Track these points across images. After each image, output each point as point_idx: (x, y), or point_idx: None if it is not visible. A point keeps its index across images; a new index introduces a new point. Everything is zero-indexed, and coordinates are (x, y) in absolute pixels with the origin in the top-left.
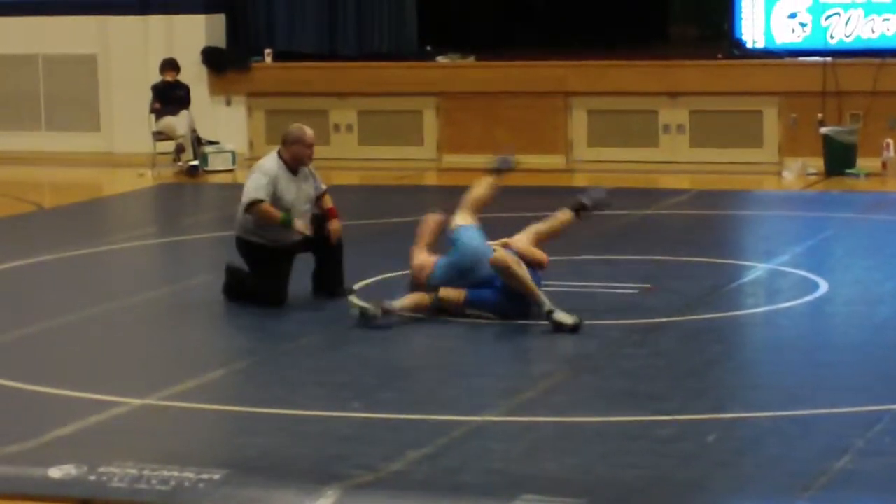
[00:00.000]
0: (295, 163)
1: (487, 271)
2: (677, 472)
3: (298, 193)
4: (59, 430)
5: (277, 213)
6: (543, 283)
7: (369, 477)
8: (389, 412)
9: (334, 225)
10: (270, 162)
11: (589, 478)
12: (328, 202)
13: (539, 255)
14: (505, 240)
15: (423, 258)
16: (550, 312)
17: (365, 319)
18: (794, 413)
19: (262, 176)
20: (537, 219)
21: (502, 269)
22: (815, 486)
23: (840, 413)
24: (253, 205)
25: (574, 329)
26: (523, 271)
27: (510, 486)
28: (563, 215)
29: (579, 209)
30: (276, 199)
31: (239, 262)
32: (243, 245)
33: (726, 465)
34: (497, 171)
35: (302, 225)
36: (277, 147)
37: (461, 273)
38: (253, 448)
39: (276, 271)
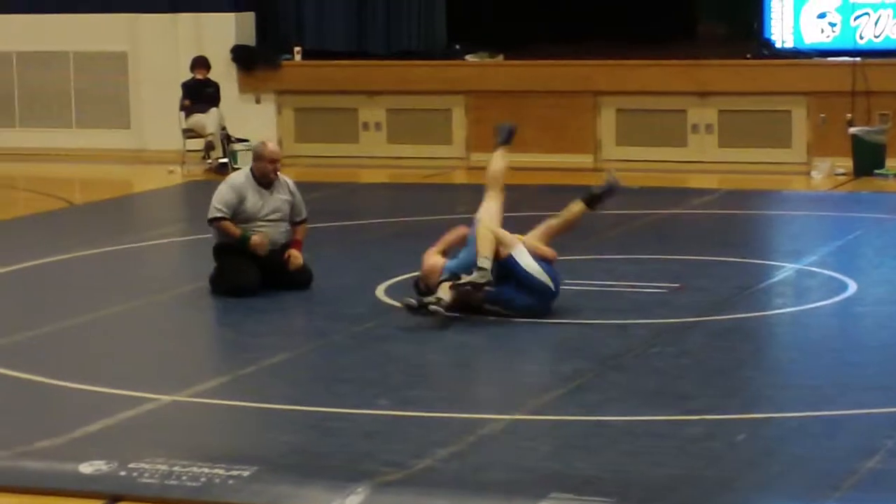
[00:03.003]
0: (262, 177)
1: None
2: (706, 471)
3: (264, 205)
4: (89, 426)
5: (236, 231)
6: (569, 280)
7: (398, 474)
8: (418, 410)
9: (293, 252)
10: (241, 175)
11: (617, 476)
12: (300, 233)
13: (547, 251)
14: (518, 237)
15: (435, 260)
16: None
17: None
18: (823, 413)
19: (229, 189)
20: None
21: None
22: (844, 487)
23: (869, 413)
24: (214, 220)
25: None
26: (486, 242)
27: (539, 484)
28: (576, 206)
29: (590, 199)
30: (241, 209)
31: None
32: (217, 246)
33: (755, 465)
34: (504, 141)
35: (258, 242)
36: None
37: (469, 269)
38: (283, 444)
39: (245, 265)
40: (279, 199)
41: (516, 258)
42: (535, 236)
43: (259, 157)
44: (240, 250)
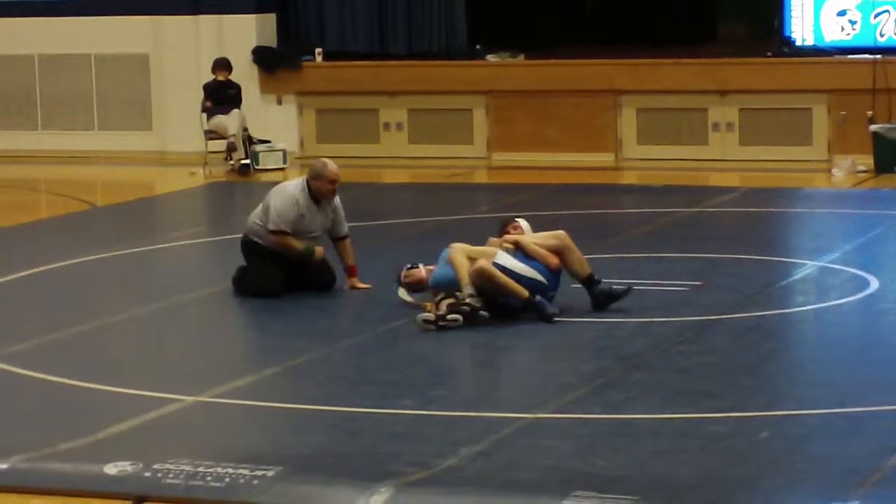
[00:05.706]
0: (318, 195)
1: None
2: (730, 469)
3: (313, 220)
4: (114, 427)
5: (300, 246)
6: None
7: (422, 474)
8: (441, 409)
9: (352, 281)
10: (297, 189)
11: (641, 475)
12: (350, 256)
13: (550, 258)
14: (516, 238)
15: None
16: (531, 300)
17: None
18: (847, 410)
19: (292, 205)
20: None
21: (486, 279)
22: (868, 484)
23: (892, 410)
24: (278, 233)
25: (551, 318)
26: (502, 279)
27: (563, 482)
28: (581, 269)
29: (600, 295)
30: (294, 223)
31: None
32: (248, 244)
33: (779, 463)
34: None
35: (321, 253)
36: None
37: (446, 284)
38: (307, 445)
39: (269, 267)
40: (326, 215)
41: (500, 263)
42: (539, 238)
43: (319, 175)
44: (265, 252)
